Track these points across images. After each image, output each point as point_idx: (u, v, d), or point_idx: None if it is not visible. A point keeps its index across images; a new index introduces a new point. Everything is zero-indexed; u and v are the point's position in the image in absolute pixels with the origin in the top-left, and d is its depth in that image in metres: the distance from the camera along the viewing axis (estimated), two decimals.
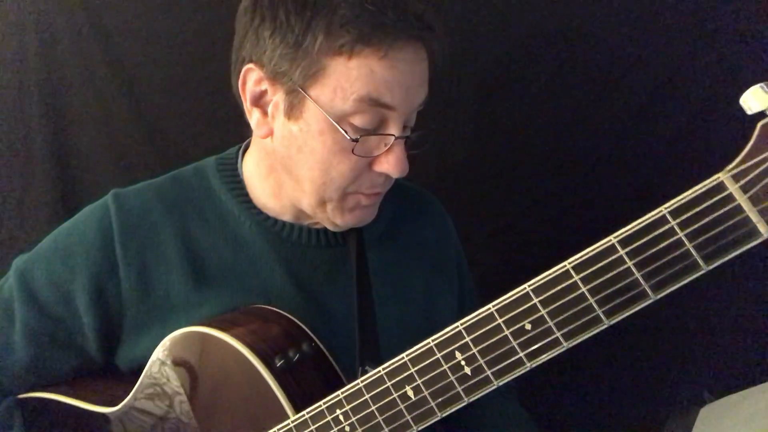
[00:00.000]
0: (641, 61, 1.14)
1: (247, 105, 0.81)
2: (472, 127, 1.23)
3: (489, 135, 1.23)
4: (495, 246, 1.22)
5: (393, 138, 0.76)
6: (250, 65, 0.78)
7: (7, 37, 1.21)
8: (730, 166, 0.53)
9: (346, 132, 0.74)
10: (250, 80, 0.78)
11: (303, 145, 0.77)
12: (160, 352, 0.78)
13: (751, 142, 0.53)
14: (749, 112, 0.54)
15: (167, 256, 0.83)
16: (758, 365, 1.16)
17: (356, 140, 0.74)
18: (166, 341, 0.77)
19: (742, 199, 0.52)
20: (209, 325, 0.76)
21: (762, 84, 0.53)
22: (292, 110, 0.76)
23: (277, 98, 0.78)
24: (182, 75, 1.22)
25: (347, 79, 0.73)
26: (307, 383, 0.74)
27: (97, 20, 1.21)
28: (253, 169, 0.88)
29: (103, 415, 0.82)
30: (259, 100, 0.80)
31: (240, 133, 0.90)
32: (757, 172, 0.52)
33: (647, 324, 1.20)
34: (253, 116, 0.81)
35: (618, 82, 1.15)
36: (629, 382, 1.22)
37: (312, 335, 0.79)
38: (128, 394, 0.80)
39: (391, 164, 0.77)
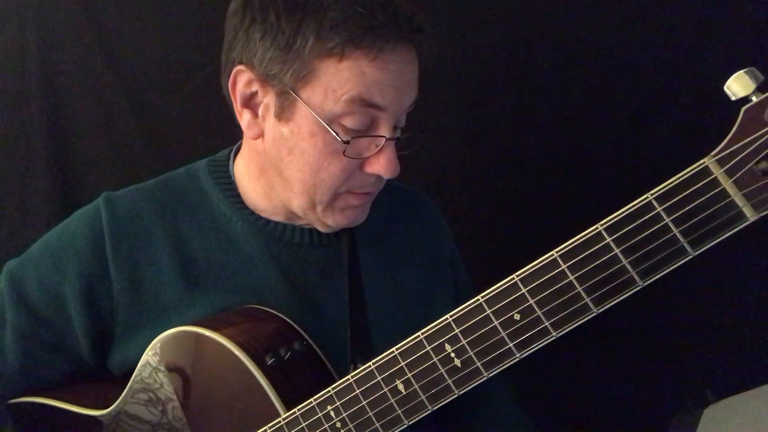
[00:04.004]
0: (639, 61, 1.14)
1: (237, 106, 0.80)
2: (466, 128, 1.23)
3: (482, 136, 1.23)
4: (490, 246, 1.21)
5: (384, 139, 0.76)
6: (241, 67, 0.77)
7: (7, 37, 1.21)
8: (715, 151, 0.53)
9: (337, 134, 0.74)
10: (241, 82, 0.78)
11: (294, 147, 0.77)
12: (149, 354, 0.77)
13: (736, 127, 0.53)
14: (733, 98, 0.54)
15: (158, 257, 0.83)
16: (763, 366, 1.15)
17: (347, 142, 0.74)
18: (156, 342, 0.77)
19: (727, 184, 0.52)
20: (200, 324, 0.76)
21: (744, 70, 0.53)
22: (283, 112, 0.76)
23: (267, 100, 0.78)
24: (182, 75, 1.22)
25: (338, 80, 0.73)
26: (299, 381, 0.74)
27: (97, 20, 1.21)
28: (244, 170, 0.88)
29: (94, 418, 0.81)
30: (249, 102, 0.80)
31: (238, 135, 0.89)
32: (742, 155, 0.52)
33: (651, 324, 1.20)
34: (244, 118, 0.80)
35: (609, 83, 1.15)
36: (633, 382, 1.21)
37: (304, 334, 0.79)
38: (119, 397, 0.80)
39: (382, 165, 0.77)
